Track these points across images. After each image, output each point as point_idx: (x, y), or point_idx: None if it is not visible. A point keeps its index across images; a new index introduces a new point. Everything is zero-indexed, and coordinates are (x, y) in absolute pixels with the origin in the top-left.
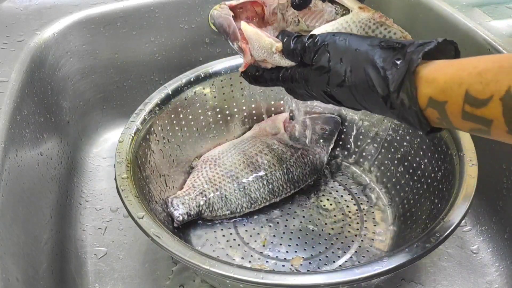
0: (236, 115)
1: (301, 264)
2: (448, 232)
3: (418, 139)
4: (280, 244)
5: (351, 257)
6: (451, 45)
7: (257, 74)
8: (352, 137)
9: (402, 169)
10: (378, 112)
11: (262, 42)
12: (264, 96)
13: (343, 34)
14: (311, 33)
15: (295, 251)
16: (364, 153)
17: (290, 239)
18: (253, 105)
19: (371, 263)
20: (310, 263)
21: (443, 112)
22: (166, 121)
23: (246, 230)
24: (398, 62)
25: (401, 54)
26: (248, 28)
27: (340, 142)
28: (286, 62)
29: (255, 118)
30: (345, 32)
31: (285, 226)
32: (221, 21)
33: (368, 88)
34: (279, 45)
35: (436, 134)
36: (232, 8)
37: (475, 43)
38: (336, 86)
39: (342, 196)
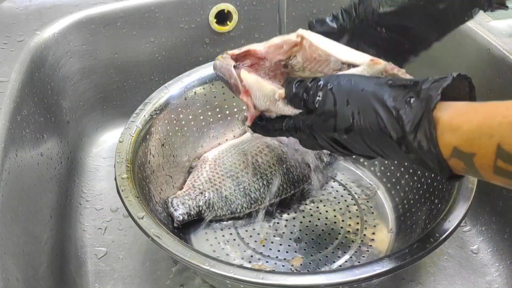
0: (236, 115)
1: (301, 264)
2: (448, 232)
3: None
4: (280, 244)
5: (351, 257)
6: (465, 80)
7: (261, 124)
8: None
9: (402, 169)
10: (394, 157)
11: (264, 90)
12: None
13: (347, 75)
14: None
15: (295, 251)
16: None
17: (290, 239)
18: None
19: (371, 263)
20: (310, 263)
21: (470, 164)
22: (166, 121)
23: (246, 230)
24: (411, 101)
25: (414, 92)
26: (248, 77)
27: None
28: (290, 110)
29: None
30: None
31: (285, 226)
32: (223, 72)
33: (380, 131)
34: (281, 91)
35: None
36: (234, 57)
37: (475, 43)
38: (344, 131)
39: (342, 196)
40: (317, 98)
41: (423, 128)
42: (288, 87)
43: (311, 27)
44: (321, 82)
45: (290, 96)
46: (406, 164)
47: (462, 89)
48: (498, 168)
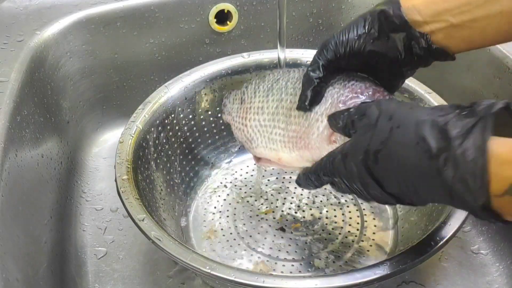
0: None
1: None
2: (449, 236)
3: None
4: (281, 245)
5: (351, 257)
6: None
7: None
8: None
9: None
10: (423, 190)
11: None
12: None
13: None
14: None
15: (295, 251)
16: None
17: (290, 239)
18: None
19: (372, 267)
20: (310, 262)
21: None
22: (166, 121)
23: (246, 230)
24: (463, 115)
25: (467, 109)
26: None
27: None
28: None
29: None
30: None
31: (285, 226)
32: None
33: (417, 144)
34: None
35: None
36: None
37: None
38: (378, 146)
39: (342, 196)
40: (361, 114)
41: (473, 136)
42: (334, 118)
43: (301, 109)
44: (371, 104)
45: (335, 125)
46: None
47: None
48: None
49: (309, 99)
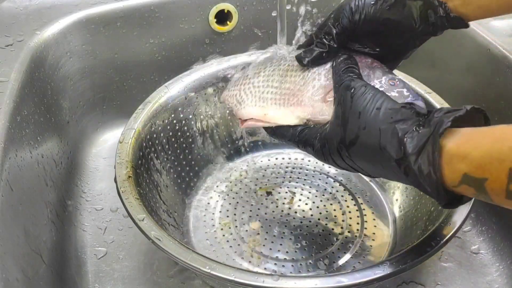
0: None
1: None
2: (448, 236)
3: None
4: (280, 244)
5: (351, 257)
6: (480, 113)
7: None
8: None
9: None
10: (394, 178)
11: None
12: None
13: (373, 88)
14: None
15: (295, 251)
16: None
17: (290, 239)
18: None
19: (372, 267)
20: (310, 263)
21: (481, 189)
22: (166, 121)
23: (246, 230)
24: (420, 127)
25: (426, 120)
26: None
27: None
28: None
29: None
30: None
31: (285, 226)
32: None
33: (380, 150)
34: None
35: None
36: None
37: (475, 43)
38: (349, 142)
39: (342, 196)
40: (341, 95)
41: (426, 152)
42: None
43: (300, 61)
44: (353, 84)
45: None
46: None
47: (477, 122)
48: (511, 192)
49: (313, 57)
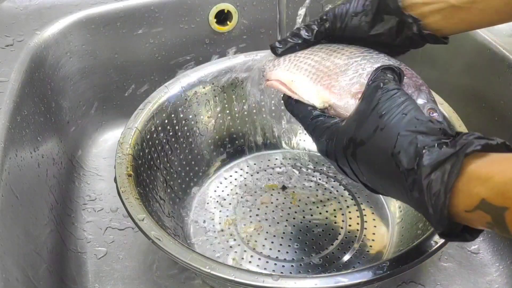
0: (236, 114)
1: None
2: None
3: None
4: (280, 245)
5: (351, 257)
6: (504, 145)
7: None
8: None
9: None
10: (393, 192)
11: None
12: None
13: (404, 93)
14: None
15: (295, 251)
16: None
17: (290, 239)
18: (253, 105)
19: (372, 267)
20: (310, 263)
21: (499, 218)
22: (166, 121)
23: (247, 230)
24: (443, 145)
25: (451, 140)
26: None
27: None
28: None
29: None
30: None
31: (285, 226)
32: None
33: (391, 156)
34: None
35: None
36: None
37: (475, 43)
38: (360, 140)
39: (342, 196)
40: (370, 92)
41: (442, 170)
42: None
43: (273, 50)
44: (386, 86)
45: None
46: None
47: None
48: None
49: (286, 48)
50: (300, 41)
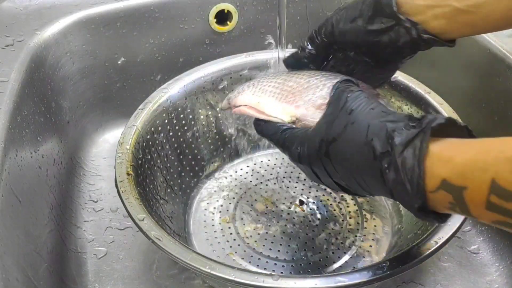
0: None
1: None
2: (449, 235)
3: None
4: (280, 244)
5: (351, 257)
6: (465, 129)
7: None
8: None
9: None
10: (369, 182)
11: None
12: None
13: (370, 96)
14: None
15: (295, 251)
16: None
17: (290, 239)
18: None
19: (372, 267)
20: (310, 263)
21: (460, 198)
22: (166, 121)
23: (246, 230)
24: (411, 128)
25: (418, 122)
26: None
27: None
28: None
29: None
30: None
31: (285, 225)
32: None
33: (364, 145)
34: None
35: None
36: None
37: (475, 43)
38: (331, 139)
39: (342, 196)
40: (336, 97)
41: (413, 146)
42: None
43: (286, 65)
44: (351, 89)
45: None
46: None
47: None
48: (491, 204)
49: (293, 63)
50: (306, 55)
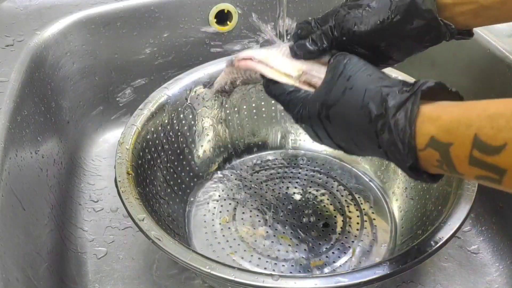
0: (236, 115)
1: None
2: (448, 236)
3: None
4: (280, 244)
5: (350, 257)
6: (457, 95)
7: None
8: None
9: None
10: (365, 143)
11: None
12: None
13: (368, 63)
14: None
15: (296, 251)
16: None
17: (290, 239)
18: (253, 104)
19: (373, 267)
20: (310, 263)
21: (446, 154)
22: (166, 121)
23: (247, 230)
24: (405, 92)
25: (410, 87)
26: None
27: None
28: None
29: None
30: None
31: (285, 226)
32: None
33: (361, 109)
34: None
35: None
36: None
37: (475, 43)
38: (331, 102)
39: (342, 196)
40: (335, 63)
41: (405, 109)
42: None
43: (292, 52)
44: (349, 56)
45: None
46: None
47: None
48: (474, 158)
49: (304, 52)
50: (316, 48)
